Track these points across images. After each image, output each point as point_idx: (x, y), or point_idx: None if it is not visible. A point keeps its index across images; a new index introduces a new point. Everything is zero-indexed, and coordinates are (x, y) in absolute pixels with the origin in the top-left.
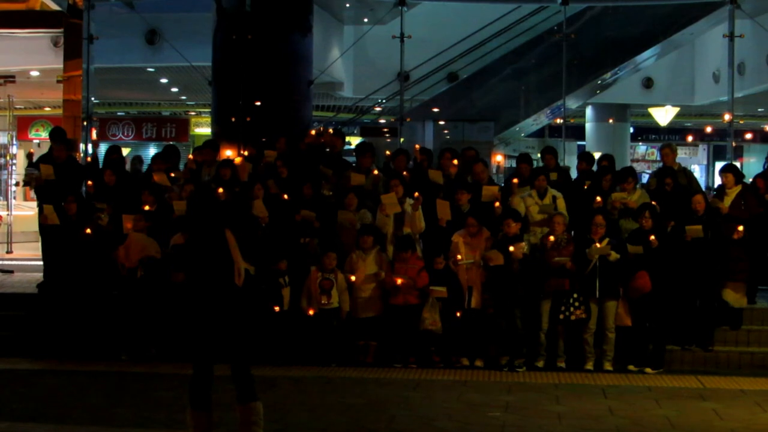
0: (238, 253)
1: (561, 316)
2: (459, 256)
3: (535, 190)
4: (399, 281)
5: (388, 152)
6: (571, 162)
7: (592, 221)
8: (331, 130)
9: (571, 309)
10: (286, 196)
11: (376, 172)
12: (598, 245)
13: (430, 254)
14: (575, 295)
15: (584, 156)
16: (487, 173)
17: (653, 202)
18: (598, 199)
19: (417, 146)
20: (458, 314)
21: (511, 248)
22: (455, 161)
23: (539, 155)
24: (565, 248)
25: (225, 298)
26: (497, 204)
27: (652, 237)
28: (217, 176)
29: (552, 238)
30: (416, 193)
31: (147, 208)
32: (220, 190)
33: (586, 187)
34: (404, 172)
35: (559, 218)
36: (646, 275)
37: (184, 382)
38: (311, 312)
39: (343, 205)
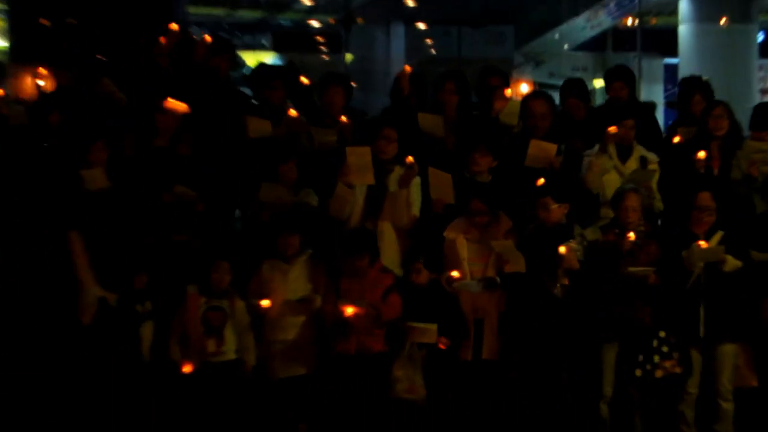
0: (88, 271)
1: (638, 372)
2: (455, 273)
3: (613, 146)
4: (349, 311)
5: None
6: (653, 94)
7: (695, 201)
8: (208, 38)
9: (656, 359)
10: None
11: (293, 113)
12: (703, 244)
13: (410, 259)
14: (662, 335)
15: (691, 84)
16: (551, 119)
17: None
18: (701, 154)
19: (407, 68)
20: (460, 368)
21: (562, 249)
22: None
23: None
24: (642, 250)
25: (64, 342)
26: (541, 181)
27: None
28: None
29: (611, 235)
30: (409, 157)
31: None
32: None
33: (677, 140)
34: (342, 118)
35: (632, 198)
36: None
37: None
38: (188, 368)
39: (271, 176)
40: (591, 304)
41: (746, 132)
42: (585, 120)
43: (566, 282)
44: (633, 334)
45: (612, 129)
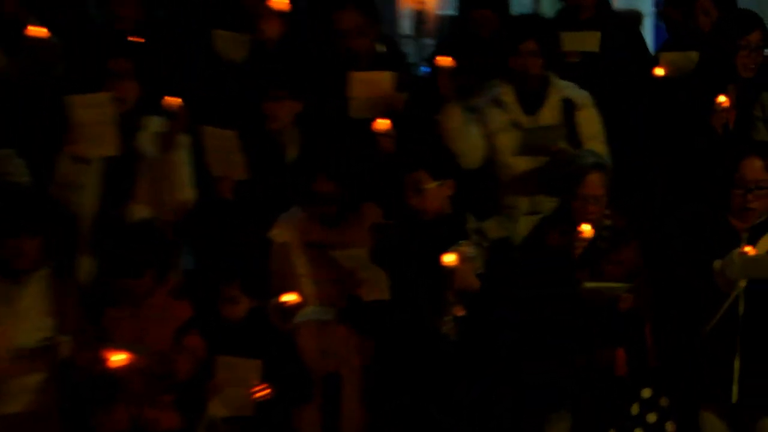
0: None
1: None
2: (289, 296)
3: (508, 88)
4: (118, 361)
5: None
6: None
7: (737, 173)
8: None
9: None
10: None
11: (39, 30)
12: (749, 250)
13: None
14: (646, 395)
15: None
16: (372, 35)
17: None
18: (721, 99)
19: None
20: None
21: (449, 258)
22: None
23: None
24: (607, 257)
25: None
26: (384, 123)
27: None
28: None
29: (554, 236)
30: (169, 99)
31: None
32: None
33: (660, 72)
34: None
35: (594, 180)
36: None
37: None
38: None
39: None
40: (504, 346)
41: None
42: (493, 36)
43: (460, 312)
44: (595, 396)
45: (443, 61)
